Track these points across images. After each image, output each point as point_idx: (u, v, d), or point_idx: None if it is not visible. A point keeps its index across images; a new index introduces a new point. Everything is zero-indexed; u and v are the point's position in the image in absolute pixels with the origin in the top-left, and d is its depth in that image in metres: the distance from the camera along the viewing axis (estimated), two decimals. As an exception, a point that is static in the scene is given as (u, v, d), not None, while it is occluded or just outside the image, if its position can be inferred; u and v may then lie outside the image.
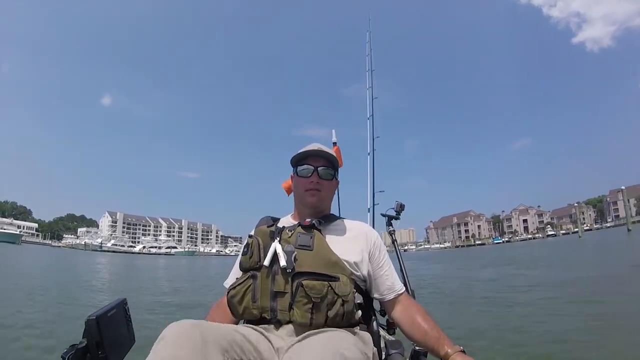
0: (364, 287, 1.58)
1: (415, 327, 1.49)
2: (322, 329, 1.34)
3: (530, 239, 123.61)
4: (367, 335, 1.46)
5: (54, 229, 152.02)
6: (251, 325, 1.40)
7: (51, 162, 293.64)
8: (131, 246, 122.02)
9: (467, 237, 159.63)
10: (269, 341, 1.34)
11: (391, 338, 1.80)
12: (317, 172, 1.65)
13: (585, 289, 10.35)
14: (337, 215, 1.77)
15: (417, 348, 1.53)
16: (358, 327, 1.49)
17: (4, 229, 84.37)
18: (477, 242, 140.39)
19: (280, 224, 1.63)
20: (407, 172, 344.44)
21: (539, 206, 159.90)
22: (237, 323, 1.53)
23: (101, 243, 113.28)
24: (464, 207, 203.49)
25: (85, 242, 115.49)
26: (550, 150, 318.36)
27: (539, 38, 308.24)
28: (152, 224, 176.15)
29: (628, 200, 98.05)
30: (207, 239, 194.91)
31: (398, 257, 2.44)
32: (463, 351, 1.32)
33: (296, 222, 1.63)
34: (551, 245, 51.28)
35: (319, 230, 1.54)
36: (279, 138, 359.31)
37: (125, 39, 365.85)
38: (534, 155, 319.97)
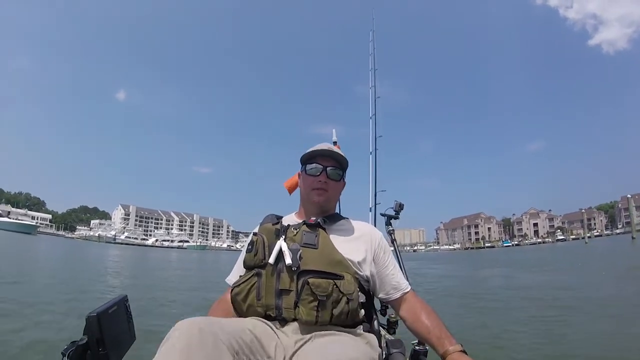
0: (366, 286, 1.60)
1: (419, 324, 1.49)
2: (329, 332, 1.36)
3: (540, 243, 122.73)
4: (373, 338, 1.48)
5: (67, 221, 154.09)
6: (261, 319, 1.41)
7: (65, 154, 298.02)
8: (144, 239, 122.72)
9: (477, 240, 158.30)
10: (278, 337, 1.34)
11: (392, 337, 1.86)
12: (326, 172, 1.66)
13: (549, 293, 11.16)
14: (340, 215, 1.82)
15: (417, 347, 1.56)
16: (361, 326, 1.51)
17: (19, 220, 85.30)
18: (487, 245, 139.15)
19: (284, 222, 1.64)
20: (420, 171, 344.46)
21: (550, 210, 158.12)
22: None
23: (115, 235, 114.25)
24: (475, 209, 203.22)
25: (99, 234, 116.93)
26: (565, 153, 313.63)
27: (555, 40, 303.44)
28: (164, 217, 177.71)
29: (635, 208, 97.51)
30: (218, 234, 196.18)
31: (398, 257, 2.47)
32: (464, 351, 1.32)
33: (301, 221, 1.64)
34: (558, 250, 51.97)
35: (324, 229, 1.56)
36: (292, 136, 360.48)
37: (141, 38, 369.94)
38: (548, 158, 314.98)
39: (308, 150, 1.72)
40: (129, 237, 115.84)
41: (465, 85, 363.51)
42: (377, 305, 1.76)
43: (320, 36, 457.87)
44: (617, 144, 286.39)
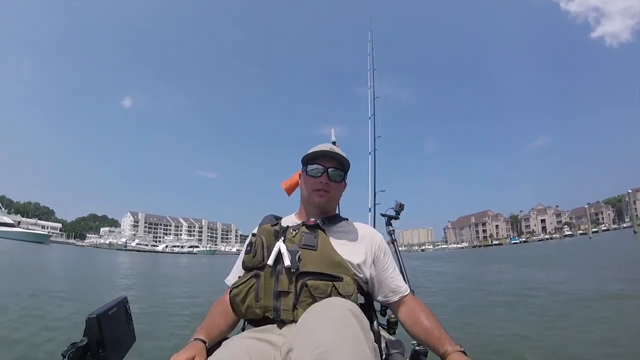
0: (366, 288, 1.59)
1: (418, 326, 1.48)
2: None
3: (547, 239, 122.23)
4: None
5: (77, 229, 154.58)
6: (253, 334, 1.36)
7: (70, 162, 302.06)
8: (154, 245, 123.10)
9: (484, 237, 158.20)
10: (271, 344, 1.30)
11: (391, 338, 1.85)
12: (327, 173, 1.64)
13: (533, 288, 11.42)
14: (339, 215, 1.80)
15: (417, 348, 1.53)
16: None
17: (30, 229, 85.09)
18: (495, 242, 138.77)
19: (283, 223, 1.62)
20: (428, 171, 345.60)
21: (557, 206, 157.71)
22: (238, 321, 1.56)
23: (126, 242, 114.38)
24: (482, 207, 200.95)
25: (109, 241, 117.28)
26: (571, 148, 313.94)
27: (557, 34, 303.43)
28: (173, 223, 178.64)
29: (634, 202, 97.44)
30: (227, 239, 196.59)
31: (398, 257, 2.47)
32: (463, 352, 1.31)
33: (300, 222, 1.62)
34: (559, 247, 52.30)
35: (323, 230, 1.54)
36: (295, 136, 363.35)
37: (146, 42, 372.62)
38: (555, 154, 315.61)
39: (310, 151, 1.71)
40: (140, 244, 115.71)
41: (469, 84, 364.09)
42: (377, 305, 1.76)
43: (323, 36, 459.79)
44: (624, 137, 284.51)
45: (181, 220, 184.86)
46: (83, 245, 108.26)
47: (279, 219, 1.71)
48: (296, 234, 1.51)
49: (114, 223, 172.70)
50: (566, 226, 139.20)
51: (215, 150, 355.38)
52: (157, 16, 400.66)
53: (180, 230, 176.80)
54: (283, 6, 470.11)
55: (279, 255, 1.44)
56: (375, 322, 1.66)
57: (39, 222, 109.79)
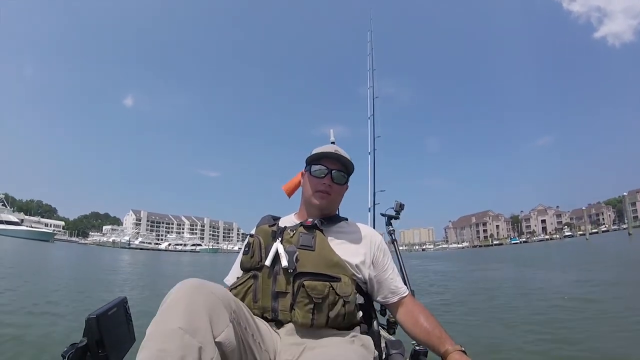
0: (365, 288, 1.59)
1: (418, 327, 1.48)
2: (323, 336, 1.34)
3: (547, 239, 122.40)
4: (368, 340, 1.45)
5: (79, 227, 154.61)
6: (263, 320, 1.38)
7: (72, 161, 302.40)
8: (157, 243, 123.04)
9: (485, 237, 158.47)
10: (276, 334, 1.34)
11: (391, 338, 1.84)
12: (331, 174, 1.63)
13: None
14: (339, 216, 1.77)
15: (417, 348, 1.52)
16: (359, 328, 1.50)
17: (34, 227, 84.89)
18: (495, 242, 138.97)
19: (281, 223, 1.62)
20: (429, 171, 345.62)
21: (557, 207, 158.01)
22: None
23: (129, 240, 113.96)
24: (482, 207, 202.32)
25: (113, 239, 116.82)
26: (573, 149, 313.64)
27: (559, 33, 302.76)
28: (175, 221, 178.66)
29: (631, 204, 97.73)
30: (229, 237, 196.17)
31: (398, 257, 2.46)
32: (464, 351, 1.31)
33: (299, 222, 1.61)
34: (555, 247, 52.60)
35: (321, 231, 1.52)
36: (297, 138, 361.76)
37: (146, 42, 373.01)
38: (555, 153, 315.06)
39: (314, 151, 1.71)
40: (143, 242, 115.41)
41: (470, 83, 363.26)
42: (377, 305, 1.74)
43: (323, 36, 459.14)
44: (626, 138, 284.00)
45: (183, 218, 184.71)
46: (86, 244, 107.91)
47: (276, 219, 1.71)
48: (294, 234, 1.50)
49: (116, 221, 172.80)
50: (566, 227, 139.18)
51: (216, 149, 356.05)
52: (157, 16, 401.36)
53: (182, 229, 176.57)
54: (283, 6, 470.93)
55: (277, 255, 1.43)
56: (375, 323, 1.68)
57: (42, 220, 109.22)
